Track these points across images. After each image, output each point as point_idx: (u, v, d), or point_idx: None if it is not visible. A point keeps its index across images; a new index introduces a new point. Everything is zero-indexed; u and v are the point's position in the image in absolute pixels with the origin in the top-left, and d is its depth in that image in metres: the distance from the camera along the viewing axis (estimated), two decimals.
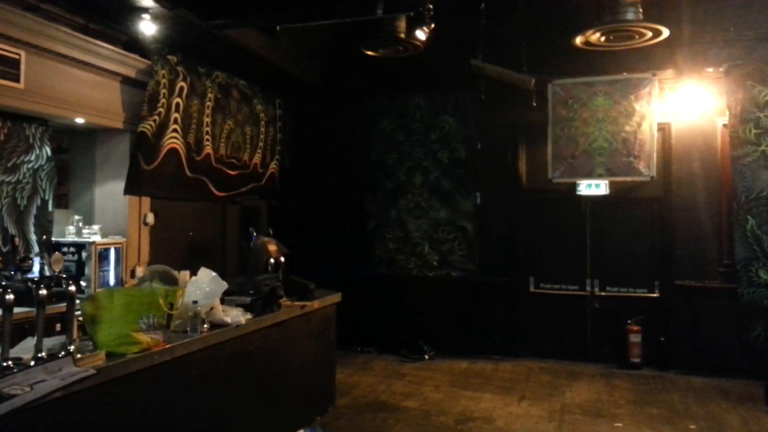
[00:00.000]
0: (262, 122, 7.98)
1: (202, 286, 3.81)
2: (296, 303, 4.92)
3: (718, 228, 7.16)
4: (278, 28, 5.88)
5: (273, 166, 8.35)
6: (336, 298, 5.70)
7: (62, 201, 6.08)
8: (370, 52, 7.03)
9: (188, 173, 6.53)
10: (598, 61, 7.50)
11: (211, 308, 3.87)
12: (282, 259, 5.06)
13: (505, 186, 8.06)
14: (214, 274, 3.89)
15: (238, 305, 4.21)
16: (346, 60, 8.31)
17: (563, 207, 7.83)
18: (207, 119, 6.78)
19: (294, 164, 8.85)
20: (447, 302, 8.09)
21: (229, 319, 3.91)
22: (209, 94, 6.80)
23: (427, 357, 7.62)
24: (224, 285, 3.88)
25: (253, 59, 7.14)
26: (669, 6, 7.08)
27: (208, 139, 6.82)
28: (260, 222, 8.14)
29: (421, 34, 6.05)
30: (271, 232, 5.55)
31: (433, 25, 5.76)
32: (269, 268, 4.91)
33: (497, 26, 6.93)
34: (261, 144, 7.98)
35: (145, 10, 5.10)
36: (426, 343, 7.85)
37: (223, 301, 4.25)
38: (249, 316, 4.14)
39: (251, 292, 4.36)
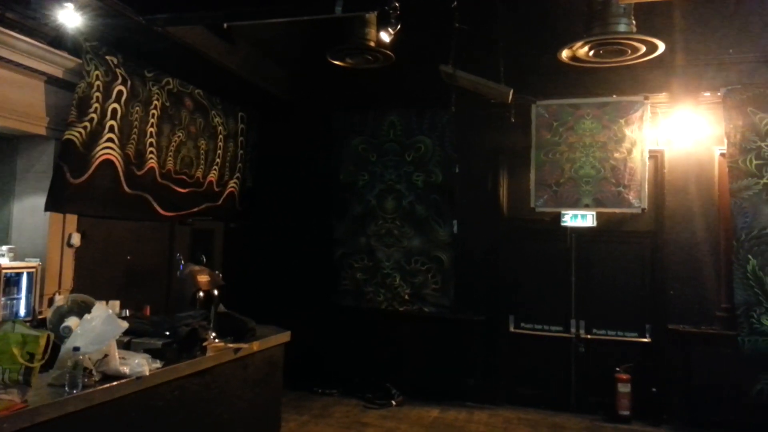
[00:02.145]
0: (221, 136, 7.27)
1: (92, 326, 3.03)
2: (229, 345, 4.14)
3: (715, 268, 6.51)
4: (225, 26, 5.20)
5: (232, 184, 7.61)
6: (284, 337, 4.93)
7: None
8: (337, 62, 6.38)
9: (126, 189, 5.77)
10: (586, 82, 6.94)
11: (105, 355, 3.09)
12: (215, 291, 4.30)
13: (485, 214, 7.38)
14: (108, 312, 3.12)
15: (147, 350, 3.44)
16: (315, 72, 7.66)
17: (547, 239, 7.16)
18: (152, 129, 6.06)
19: (257, 183, 8.12)
20: (418, 340, 7.33)
21: (126, 369, 3.13)
22: (155, 102, 6.08)
23: (394, 403, 6.82)
24: (121, 326, 3.12)
25: (208, 66, 6.48)
26: (663, 25, 6.50)
27: (152, 152, 6.08)
28: (214, 246, 7.38)
29: (385, 36, 5.43)
30: (204, 259, 4.78)
31: (399, 26, 5.12)
32: (197, 302, 4.14)
33: (474, 35, 6.29)
34: (218, 160, 7.25)
35: None
36: (394, 385, 7.07)
37: (129, 345, 3.49)
38: (157, 364, 3.36)
39: (167, 333, 3.58)
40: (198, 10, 4.81)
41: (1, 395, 2.45)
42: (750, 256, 6.25)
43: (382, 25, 5.25)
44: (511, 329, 7.14)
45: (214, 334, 4.18)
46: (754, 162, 6.37)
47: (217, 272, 5.10)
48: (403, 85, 7.42)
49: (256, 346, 4.42)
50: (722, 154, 6.59)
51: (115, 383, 3.06)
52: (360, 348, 7.43)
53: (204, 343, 3.81)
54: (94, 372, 3.00)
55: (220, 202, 7.35)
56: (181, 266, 4.36)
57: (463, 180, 7.48)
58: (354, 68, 6.68)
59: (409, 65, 6.67)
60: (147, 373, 3.21)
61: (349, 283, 7.70)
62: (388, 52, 6.11)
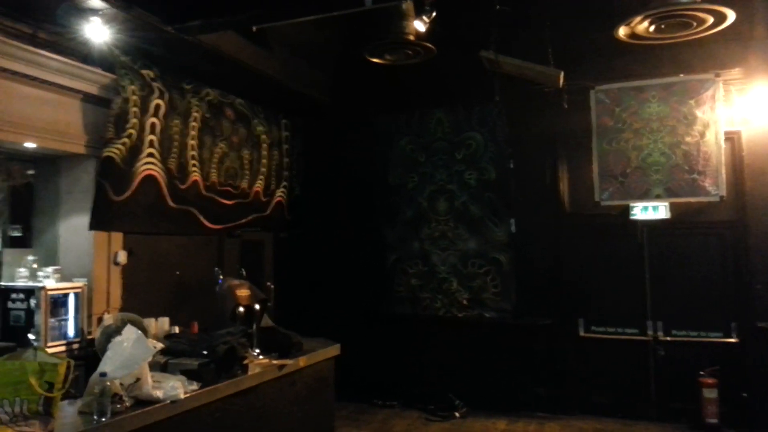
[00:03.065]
0: (264, 145, 7.12)
1: (122, 350, 2.85)
2: (274, 362, 3.91)
3: None
4: (255, 29, 4.99)
5: (280, 193, 7.44)
6: (333, 350, 4.68)
7: (24, 239, 5.29)
8: (375, 59, 6.09)
9: (171, 203, 5.67)
10: (649, 62, 6.40)
11: (138, 379, 2.89)
12: (257, 306, 4.07)
13: (545, 211, 6.91)
14: (138, 333, 2.93)
15: (183, 371, 3.23)
16: (357, 74, 7.39)
17: (615, 234, 6.62)
18: (193, 142, 5.95)
19: (305, 191, 7.93)
20: (480, 348, 6.91)
21: (160, 393, 2.93)
22: (195, 113, 5.97)
23: (458, 414, 6.44)
24: (151, 349, 2.92)
25: (246, 74, 6.36)
26: None
27: (194, 165, 5.97)
28: (264, 257, 7.23)
29: (420, 26, 5.09)
30: (244, 272, 4.58)
31: (434, 14, 4.78)
32: (237, 318, 3.92)
33: (517, 17, 5.87)
34: (263, 169, 7.10)
35: (95, 11, 4.29)
36: (458, 396, 6.69)
37: (166, 367, 3.29)
38: (194, 386, 3.15)
39: (204, 352, 3.37)
40: (225, 14, 4.64)
41: (22, 428, 2.27)
42: None
43: (416, 14, 4.92)
44: (581, 333, 6.61)
45: (257, 351, 3.97)
46: None
47: (268, 284, 4.91)
48: (447, 79, 7.08)
49: (303, 361, 4.18)
50: None
51: (148, 408, 2.86)
52: (419, 357, 7.09)
53: (244, 361, 3.58)
54: (125, 398, 2.81)
55: (268, 212, 7.19)
56: (219, 281, 4.17)
57: (519, 175, 7.05)
58: (395, 66, 6.37)
59: (452, 58, 6.33)
60: (182, 396, 3.00)
61: (404, 290, 7.38)
62: (429, 44, 5.77)
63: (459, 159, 7.33)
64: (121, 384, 2.82)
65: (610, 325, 6.51)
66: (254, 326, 3.99)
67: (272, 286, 6.43)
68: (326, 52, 7.51)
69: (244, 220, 6.77)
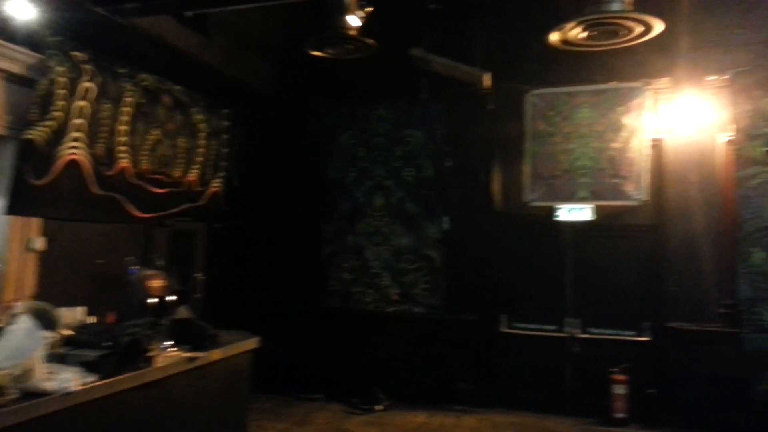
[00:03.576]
0: (202, 134, 7.04)
1: (11, 340, 2.82)
2: (184, 354, 3.91)
3: (718, 262, 6.11)
4: (191, 14, 4.94)
5: (216, 184, 7.38)
6: (251, 343, 4.70)
7: None
8: (316, 53, 6.08)
9: (96, 190, 5.56)
10: (582, 68, 6.57)
11: (27, 371, 2.87)
12: (171, 297, 4.07)
13: (477, 210, 7.07)
14: (30, 323, 2.90)
15: (82, 363, 3.22)
16: (302, 66, 7.35)
17: (542, 234, 6.83)
18: (123, 127, 5.84)
19: (244, 182, 7.89)
20: (407, 342, 7.05)
21: (51, 386, 2.91)
22: (127, 98, 5.86)
23: (380, 408, 6.56)
24: (42, 339, 2.90)
25: (185, 61, 6.25)
26: (665, 6, 6.08)
27: (124, 151, 5.87)
28: (196, 248, 7.17)
29: (355, 20, 5.12)
30: (159, 262, 4.57)
31: (370, 9, 4.83)
32: (148, 309, 3.92)
33: (454, 21, 5.98)
34: (200, 158, 7.02)
35: None
36: (383, 390, 6.81)
37: (64, 359, 3.27)
38: (91, 378, 3.14)
39: (107, 344, 3.37)
40: None
41: None
42: (756, 250, 5.86)
43: (347, 8, 4.95)
44: (504, 329, 6.83)
45: (168, 343, 3.96)
46: (762, 149, 5.98)
47: (198, 275, 4.85)
48: (390, 76, 7.12)
49: (216, 354, 4.19)
50: (727, 142, 6.20)
51: (35, 401, 2.85)
52: (347, 351, 7.19)
53: (150, 354, 3.58)
54: (11, 390, 2.79)
55: (203, 202, 7.13)
56: (131, 270, 4.14)
57: (455, 174, 7.18)
58: (340, 60, 6.40)
59: (397, 55, 6.38)
60: (74, 389, 2.99)
61: (337, 284, 7.45)
62: (370, 40, 5.81)
63: (398, 155, 7.41)
64: (9, 375, 2.80)
65: (531, 322, 6.74)
66: (166, 318, 3.97)
67: (202, 278, 6.45)
68: (271, 42, 7.47)
69: (176, 210, 6.69)
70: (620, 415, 6.07)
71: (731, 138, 6.09)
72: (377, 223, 7.36)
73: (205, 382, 4.13)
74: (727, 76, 6.10)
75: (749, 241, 5.89)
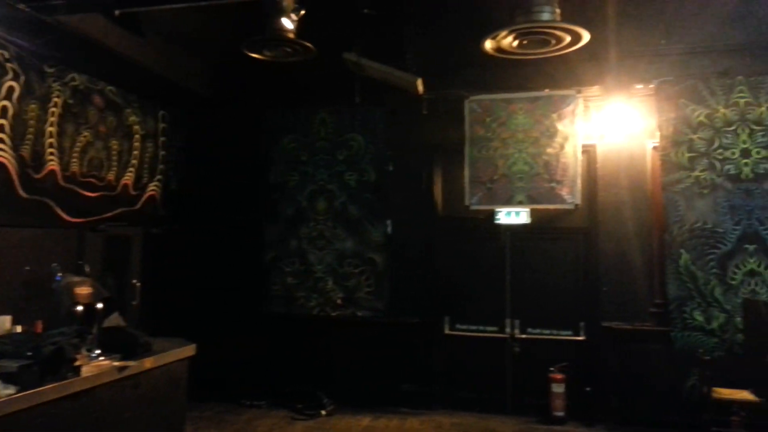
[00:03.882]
0: (137, 136, 6.83)
1: None
2: (115, 363, 3.77)
3: (648, 263, 6.40)
4: (117, 13, 4.79)
5: (153, 187, 7.17)
6: (186, 351, 4.58)
7: None
8: (254, 55, 6.01)
9: (22, 194, 5.30)
10: (519, 75, 6.75)
11: None
12: (99, 305, 3.91)
13: (420, 213, 7.14)
14: None
15: (2, 374, 3.05)
16: (242, 69, 7.24)
17: (482, 237, 6.97)
18: (51, 129, 5.60)
19: (183, 186, 7.69)
20: (351, 346, 7.03)
21: None
22: (55, 99, 5.63)
23: (324, 412, 6.51)
24: None
25: (116, 60, 6.04)
26: (595, 17, 6.37)
27: (52, 153, 5.63)
28: (132, 254, 6.92)
29: (288, 23, 5.10)
30: (87, 269, 4.40)
31: (302, 12, 4.82)
32: (75, 317, 3.76)
33: (389, 26, 6.04)
34: (134, 161, 6.81)
35: None
36: (327, 394, 6.76)
37: None
38: (11, 390, 2.98)
39: (29, 353, 3.20)
40: None
41: None
42: (682, 251, 6.16)
43: (284, 11, 4.92)
44: (446, 331, 6.93)
45: (97, 352, 3.81)
46: (686, 155, 6.29)
47: (134, 281, 4.66)
48: (333, 80, 7.10)
49: (149, 362, 4.06)
50: (654, 148, 6.50)
51: None
52: (291, 356, 7.11)
53: (77, 363, 3.43)
54: None
55: (138, 206, 6.91)
56: (57, 277, 3.96)
57: (397, 178, 7.23)
58: (281, 63, 6.33)
59: (334, 60, 6.37)
60: None
61: (280, 289, 7.36)
62: (308, 44, 5.79)
63: (340, 159, 7.40)
64: None
65: (473, 323, 6.86)
66: (95, 326, 3.82)
67: (139, 284, 6.24)
68: (209, 44, 7.31)
69: (109, 214, 6.46)
70: (559, 414, 6.24)
71: (658, 144, 6.38)
72: (320, 227, 7.32)
73: (138, 391, 4.00)
74: (653, 85, 6.39)
75: (677, 243, 6.18)
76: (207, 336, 6.74)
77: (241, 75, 7.47)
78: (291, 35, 5.79)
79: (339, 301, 7.15)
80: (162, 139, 7.32)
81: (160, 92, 7.05)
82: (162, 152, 7.32)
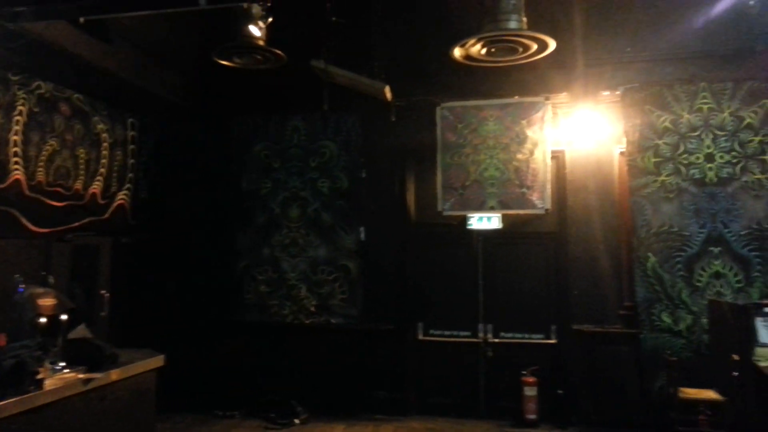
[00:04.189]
0: (105, 144, 6.74)
1: None
2: (80, 376, 3.71)
3: (617, 266, 6.50)
4: (82, 20, 4.74)
5: (122, 196, 7.07)
6: (155, 362, 4.51)
7: None
8: (224, 62, 6.00)
9: None
10: (489, 82, 6.83)
11: None
12: (64, 317, 3.85)
13: (392, 220, 7.17)
14: None
15: None
16: (214, 75, 7.22)
17: (455, 243, 7.02)
18: (16, 138, 5.50)
19: (153, 194, 7.60)
20: (325, 354, 7.00)
21: None
22: (20, 107, 5.53)
23: (297, 421, 6.47)
24: None
25: (83, 68, 5.97)
26: (562, 26, 6.50)
27: (17, 162, 5.53)
28: (100, 264, 6.81)
29: (255, 30, 5.10)
30: (51, 280, 4.33)
31: (270, 20, 4.83)
32: (38, 329, 3.68)
33: (358, 33, 6.08)
34: (102, 170, 6.71)
35: None
36: (301, 403, 6.72)
37: None
38: None
39: None
40: (47, 1, 4.34)
41: None
42: (650, 254, 6.27)
43: (252, 18, 4.93)
44: (420, 337, 6.96)
45: (62, 365, 3.74)
46: (652, 160, 6.42)
47: (103, 292, 4.57)
48: (305, 87, 7.08)
49: (115, 374, 4.00)
50: (621, 153, 6.62)
51: None
52: (265, 365, 7.05)
53: (39, 376, 3.36)
54: None
55: (107, 215, 6.81)
56: (19, 289, 3.89)
57: (370, 185, 7.24)
58: (252, 70, 6.32)
59: (309, 66, 6.37)
60: None
61: (253, 297, 7.31)
62: (278, 51, 5.79)
63: (313, 167, 7.39)
64: None
65: (446, 329, 6.90)
66: (59, 338, 3.75)
67: (107, 295, 6.14)
68: (179, 51, 7.27)
69: (77, 224, 6.36)
70: (531, 417, 6.30)
71: (624, 150, 6.51)
72: (293, 235, 7.30)
73: (104, 403, 3.93)
74: (619, 92, 6.53)
75: (644, 246, 6.30)
76: (179, 346, 6.70)
77: (212, 82, 7.43)
78: (260, 42, 5.81)
79: (312, 309, 7.13)
80: (131, 147, 7.24)
81: (128, 100, 6.98)
82: (131, 160, 7.23)
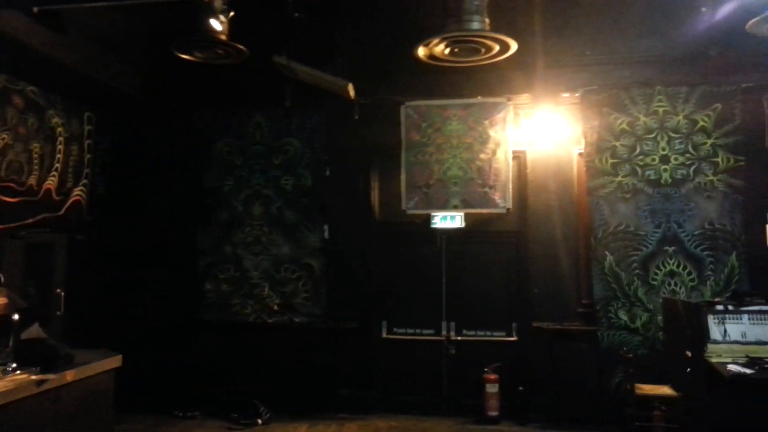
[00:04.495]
0: (60, 138, 6.54)
1: None
2: (32, 377, 3.59)
3: (576, 264, 6.65)
4: (36, 10, 4.60)
5: (78, 192, 6.88)
6: (112, 362, 4.40)
7: None
8: (184, 56, 5.88)
9: None
10: (453, 83, 6.89)
11: None
12: (15, 316, 3.72)
13: (357, 218, 7.15)
14: None
15: None
16: (175, 69, 7.00)
17: (418, 241, 7.05)
18: None
19: (111, 190, 7.42)
20: (289, 353, 6.95)
21: None
22: None
23: (260, 421, 6.40)
24: None
25: (37, 59, 5.78)
26: (524, 28, 6.58)
27: None
28: (55, 262, 6.61)
29: (216, 24, 5.03)
30: (1, 278, 4.18)
31: (232, 14, 4.77)
32: None
33: (313, 26, 6.07)
34: (58, 165, 6.52)
35: None
36: (265, 402, 6.66)
37: None
38: None
39: None
40: None
41: None
42: (607, 253, 6.43)
43: (214, 12, 4.85)
44: (384, 335, 6.98)
45: (14, 366, 3.62)
46: (610, 161, 6.58)
47: (58, 291, 4.44)
48: (269, 83, 7.02)
49: (70, 375, 3.88)
50: (580, 154, 6.76)
51: None
52: (227, 365, 6.95)
53: None
54: None
55: (62, 212, 6.61)
56: None
57: (334, 183, 7.22)
58: (215, 65, 6.21)
59: (272, 62, 6.29)
60: None
61: (215, 296, 7.20)
62: (240, 46, 5.70)
63: (276, 164, 7.32)
64: None
65: (410, 327, 6.94)
66: (11, 338, 3.62)
67: (63, 293, 5.97)
68: (138, 44, 7.09)
69: (30, 220, 6.15)
70: (493, 413, 6.39)
71: (583, 151, 6.65)
72: (256, 233, 7.22)
73: (58, 405, 3.81)
74: (578, 94, 6.67)
75: (602, 245, 6.45)
76: (138, 345, 6.56)
77: (172, 76, 7.25)
78: (222, 37, 5.71)
79: (275, 308, 7.07)
80: (88, 141, 7.04)
81: (85, 93, 6.79)
82: (88, 155, 7.04)
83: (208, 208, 7.35)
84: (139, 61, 7.25)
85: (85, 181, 6.96)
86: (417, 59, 5.79)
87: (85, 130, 6.99)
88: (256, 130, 7.38)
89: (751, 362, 4.28)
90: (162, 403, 6.72)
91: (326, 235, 7.15)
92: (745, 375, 4.08)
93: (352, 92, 6.03)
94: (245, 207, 7.30)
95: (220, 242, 7.28)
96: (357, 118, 6.76)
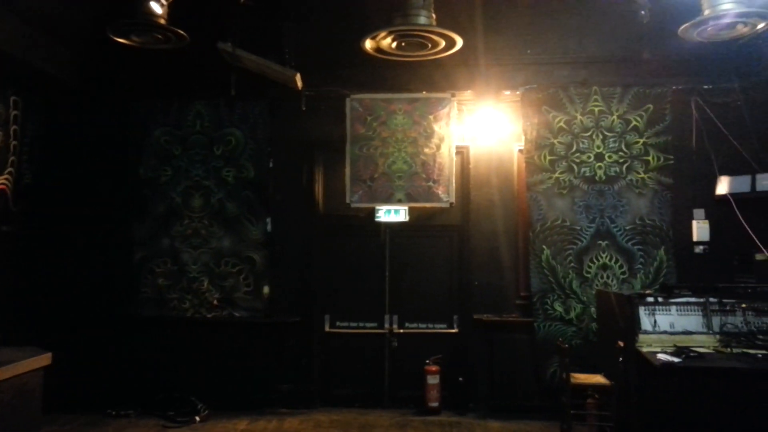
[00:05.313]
0: None
1: None
2: None
3: (515, 258, 6.83)
4: None
5: (2, 181, 6.47)
6: (41, 360, 4.20)
7: None
8: (121, 40, 5.64)
9: None
10: (398, 78, 6.92)
11: None
12: None
13: (300, 211, 7.09)
14: None
15: None
16: (111, 54, 6.72)
17: (362, 235, 7.06)
18: None
19: (39, 180, 7.03)
20: (229, 348, 6.81)
21: None
22: None
23: (198, 418, 6.25)
24: None
25: None
26: (467, 26, 6.66)
27: None
28: None
29: (157, 8, 4.86)
30: None
31: None
32: None
33: (268, 18, 5.97)
34: None
35: None
36: (203, 399, 6.51)
37: None
38: None
39: None
40: None
41: None
42: (544, 246, 6.63)
43: None
44: (327, 329, 6.96)
45: None
46: (548, 158, 6.78)
47: None
48: (210, 71, 6.81)
49: None
50: (520, 150, 6.93)
51: None
52: (163, 362, 6.74)
53: None
54: None
55: None
56: None
57: (278, 175, 7.12)
58: (153, 50, 5.98)
59: (214, 49, 6.12)
60: None
61: (150, 291, 6.95)
62: (181, 31, 5.51)
63: (218, 155, 7.14)
64: None
65: (353, 320, 6.96)
66: None
67: None
68: (74, 26, 6.73)
69: None
70: (434, 404, 6.49)
71: (523, 147, 6.83)
72: (195, 225, 7.02)
73: None
74: (519, 92, 6.84)
75: (540, 239, 6.65)
76: (69, 343, 6.31)
77: (108, 61, 6.96)
78: (162, 21, 5.51)
79: (215, 302, 6.91)
80: (14, 127, 6.63)
81: (12, 75, 6.40)
82: (14, 142, 6.63)
83: (143, 199, 7.09)
84: (76, 45, 6.89)
85: (10, 169, 6.56)
86: (364, 52, 5.79)
87: (11, 114, 6.58)
88: (196, 119, 7.17)
89: (678, 351, 4.51)
90: (95, 402, 6.48)
91: (269, 228, 7.04)
92: (672, 363, 4.29)
93: (299, 83, 5.96)
94: (184, 198, 7.08)
95: (157, 235, 7.04)
96: (304, 109, 6.67)
